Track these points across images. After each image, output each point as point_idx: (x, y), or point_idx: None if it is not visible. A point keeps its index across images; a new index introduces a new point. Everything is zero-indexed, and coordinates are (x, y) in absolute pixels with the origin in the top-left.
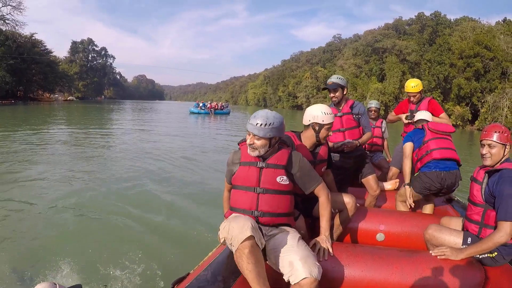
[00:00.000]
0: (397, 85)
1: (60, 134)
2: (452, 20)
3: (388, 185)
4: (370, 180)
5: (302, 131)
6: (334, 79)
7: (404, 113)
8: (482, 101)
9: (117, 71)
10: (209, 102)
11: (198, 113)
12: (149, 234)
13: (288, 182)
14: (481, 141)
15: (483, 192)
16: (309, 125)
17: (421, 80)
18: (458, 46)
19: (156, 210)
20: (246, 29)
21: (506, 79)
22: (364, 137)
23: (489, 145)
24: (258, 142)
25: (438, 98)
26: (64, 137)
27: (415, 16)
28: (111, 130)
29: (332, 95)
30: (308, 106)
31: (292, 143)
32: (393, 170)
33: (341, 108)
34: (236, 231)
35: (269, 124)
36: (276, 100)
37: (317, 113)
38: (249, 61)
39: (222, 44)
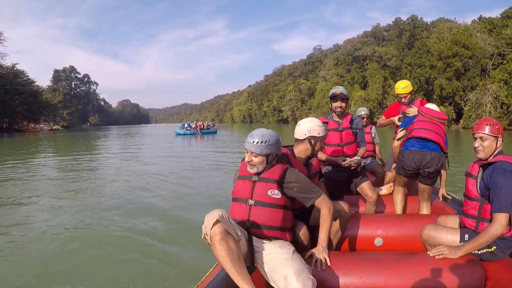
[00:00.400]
0: (380, 91)
1: (47, 163)
2: (429, 23)
3: (384, 190)
4: (365, 188)
5: (293, 145)
6: (341, 89)
7: (395, 115)
8: (465, 99)
9: (101, 97)
10: (194, 122)
11: (184, 134)
12: (144, 255)
13: (280, 196)
14: (473, 134)
15: (478, 186)
16: (304, 139)
17: None
18: (437, 48)
19: (150, 231)
20: (227, 46)
21: (487, 76)
22: (361, 151)
23: (481, 138)
24: (255, 159)
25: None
26: (51, 166)
27: (392, 21)
28: (99, 156)
29: (339, 104)
30: (294, 119)
31: (288, 160)
32: (389, 175)
33: (341, 121)
34: (206, 221)
35: (265, 142)
36: (261, 116)
37: (313, 126)
38: (232, 78)
39: (204, 63)
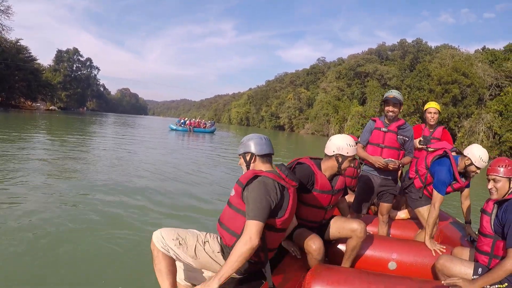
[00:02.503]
0: (377, 109)
1: (40, 144)
2: (433, 47)
3: (402, 214)
4: (383, 205)
5: (322, 159)
6: (395, 93)
7: (416, 138)
8: (459, 125)
9: (101, 83)
10: (188, 119)
11: (176, 129)
12: (137, 252)
13: (238, 200)
14: (487, 176)
15: (492, 223)
16: (332, 155)
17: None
18: (437, 73)
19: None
20: (233, 48)
21: (483, 105)
22: (406, 159)
23: (494, 180)
24: (239, 161)
25: (416, 122)
26: (45, 148)
27: (397, 42)
28: (93, 142)
29: (391, 109)
30: (290, 127)
31: (311, 172)
32: (404, 199)
33: (389, 124)
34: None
35: (241, 142)
36: (258, 120)
37: (343, 144)
38: (234, 80)
39: (208, 61)
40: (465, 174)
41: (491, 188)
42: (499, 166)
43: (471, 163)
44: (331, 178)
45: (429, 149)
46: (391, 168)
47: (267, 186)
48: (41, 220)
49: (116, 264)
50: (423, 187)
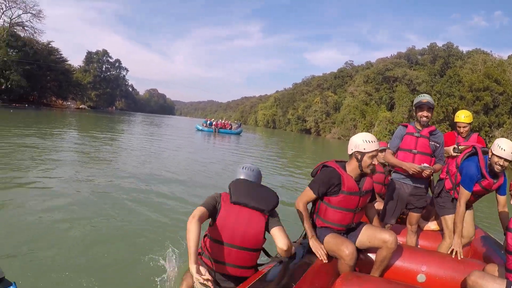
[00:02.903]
0: (406, 115)
1: (71, 140)
2: (464, 52)
3: (432, 225)
4: (412, 215)
5: (347, 161)
6: (428, 97)
7: (449, 146)
8: (490, 135)
9: (129, 83)
10: (214, 120)
11: (202, 130)
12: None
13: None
14: (510, 192)
15: None
16: (351, 154)
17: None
18: (468, 79)
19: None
20: (259, 50)
21: None
22: (437, 166)
23: None
24: None
25: (446, 130)
26: (75, 144)
27: (427, 46)
28: (122, 139)
29: (425, 114)
30: (316, 130)
31: (337, 174)
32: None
33: (421, 129)
34: None
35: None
36: (285, 123)
37: (358, 141)
38: (261, 82)
39: (234, 63)
40: (493, 171)
41: None
42: None
43: (492, 154)
44: (358, 179)
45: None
46: (425, 175)
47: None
48: (74, 208)
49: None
50: (453, 187)
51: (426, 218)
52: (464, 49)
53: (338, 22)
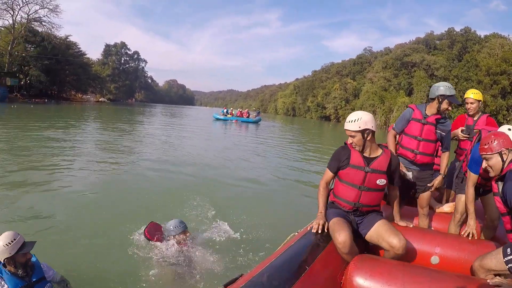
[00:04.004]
0: (424, 100)
1: (92, 132)
2: (482, 36)
3: (446, 208)
4: (423, 198)
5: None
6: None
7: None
8: (508, 119)
9: (148, 75)
10: (232, 109)
11: (218, 119)
12: (199, 233)
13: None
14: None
15: (503, 201)
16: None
17: None
18: (485, 63)
19: (207, 209)
20: (278, 38)
21: None
22: (445, 161)
23: (485, 159)
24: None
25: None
26: (96, 136)
27: (445, 31)
28: (141, 129)
29: (449, 108)
30: (336, 117)
31: (348, 150)
32: (448, 192)
33: (428, 115)
34: None
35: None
36: (304, 110)
37: (369, 118)
38: (280, 70)
39: (254, 52)
40: None
41: (485, 167)
42: (485, 144)
43: None
44: (372, 157)
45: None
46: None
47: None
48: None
49: None
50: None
51: (439, 200)
52: (482, 33)
53: (358, 9)
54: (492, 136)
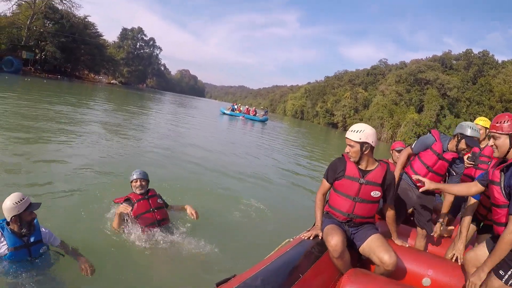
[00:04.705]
0: (433, 119)
1: (101, 111)
2: (499, 62)
3: (445, 232)
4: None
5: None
6: (477, 133)
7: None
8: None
9: (162, 63)
10: (240, 105)
11: (224, 113)
12: (192, 231)
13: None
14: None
15: (503, 191)
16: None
17: (458, 117)
18: (499, 89)
19: (201, 207)
20: (295, 40)
21: None
22: (447, 204)
23: (494, 137)
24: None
25: None
26: (104, 115)
27: (463, 52)
28: (146, 115)
29: (468, 149)
30: (343, 125)
31: (344, 161)
32: (449, 216)
33: (448, 151)
34: None
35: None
36: (313, 115)
37: (371, 132)
38: (293, 72)
39: (268, 51)
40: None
41: (492, 146)
42: (498, 122)
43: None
44: (367, 169)
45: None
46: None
47: None
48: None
49: None
50: None
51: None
52: (500, 58)
53: (377, 19)
54: (506, 116)
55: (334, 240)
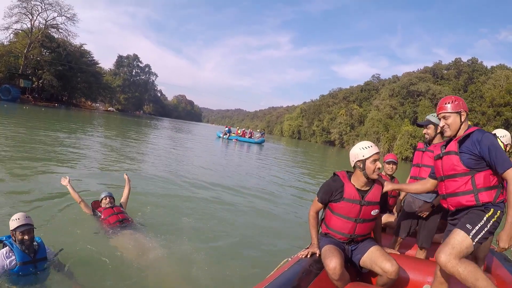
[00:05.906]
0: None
1: (98, 137)
2: (488, 68)
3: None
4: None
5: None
6: (429, 116)
7: None
8: (510, 151)
9: (158, 89)
10: (236, 128)
11: (219, 137)
12: (191, 254)
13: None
14: (437, 115)
15: (462, 160)
16: (354, 166)
17: None
18: (490, 94)
19: (209, 221)
20: (289, 61)
21: None
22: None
23: (444, 117)
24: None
25: None
26: (102, 143)
27: (452, 61)
28: (146, 143)
29: (423, 131)
30: (340, 143)
31: (341, 182)
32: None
33: (429, 145)
34: None
35: None
36: (310, 134)
37: (356, 151)
38: (289, 93)
39: (263, 73)
40: None
41: (443, 126)
42: (445, 103)
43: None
44: (365, 189)
45: None
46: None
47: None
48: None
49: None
50: None
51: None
52: (489, 64)
53: (368, 36)
54: (452, 97)
55: (333, 263)
